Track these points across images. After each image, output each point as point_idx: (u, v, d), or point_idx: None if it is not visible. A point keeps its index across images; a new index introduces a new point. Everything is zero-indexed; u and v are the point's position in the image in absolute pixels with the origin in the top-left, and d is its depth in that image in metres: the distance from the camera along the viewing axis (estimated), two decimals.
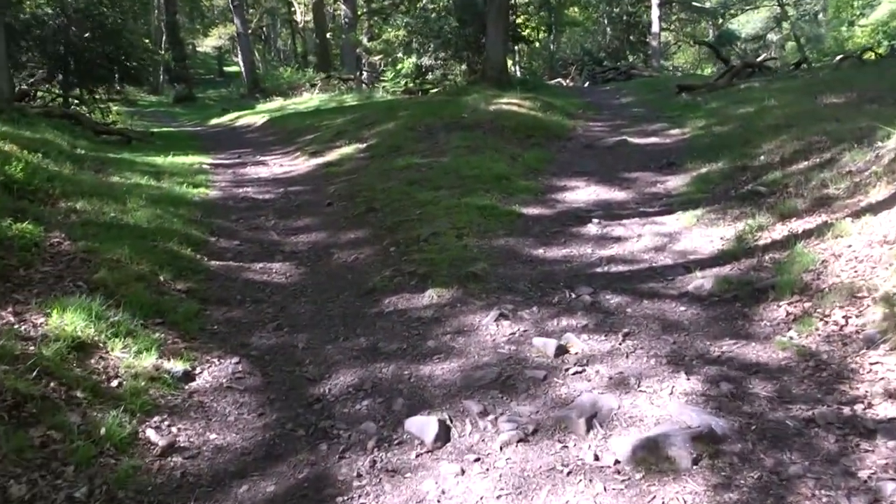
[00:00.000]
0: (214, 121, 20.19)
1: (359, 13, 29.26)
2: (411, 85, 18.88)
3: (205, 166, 9.81)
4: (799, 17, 37.30)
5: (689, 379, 3.33)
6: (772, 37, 38.12)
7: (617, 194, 6.97)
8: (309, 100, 20.06)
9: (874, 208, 4.67)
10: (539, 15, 32.08)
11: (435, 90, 17.84)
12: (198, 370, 3.73)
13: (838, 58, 15.27)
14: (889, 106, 8.81)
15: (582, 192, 7.10)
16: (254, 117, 18.15)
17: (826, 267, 4.15)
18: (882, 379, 3.08)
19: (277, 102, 20.80)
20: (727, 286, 4.33)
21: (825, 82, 11.59)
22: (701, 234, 5.44)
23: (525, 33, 20.03)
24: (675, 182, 7.20)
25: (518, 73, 35.32)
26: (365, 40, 26.78)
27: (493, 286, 4.67)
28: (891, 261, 3.89)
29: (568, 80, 27.69)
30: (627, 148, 9.03)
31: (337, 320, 4.45)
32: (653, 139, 9.61)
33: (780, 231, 5.02)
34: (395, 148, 9.14)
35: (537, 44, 34.27)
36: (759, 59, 17.89)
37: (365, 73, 27.16)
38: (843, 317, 3.64)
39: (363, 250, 5.73)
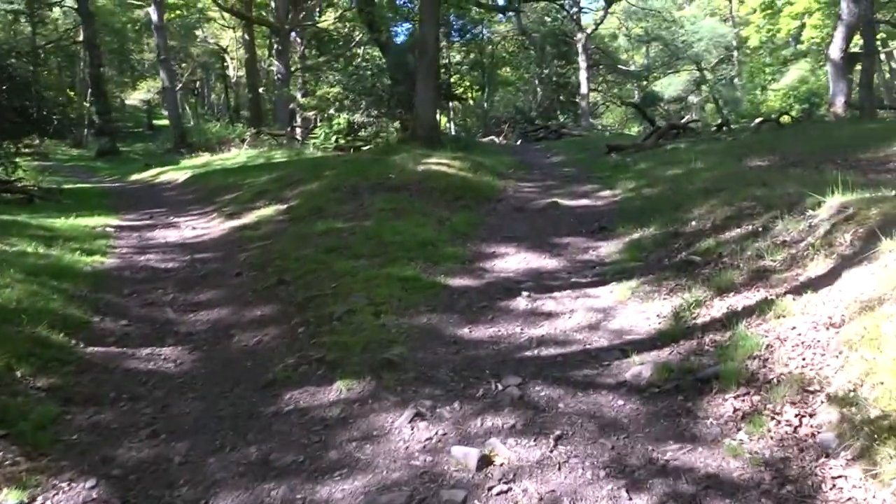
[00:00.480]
0: (135, 176, 19.21)
1: (292, 69, 28.93)
2: (342, 142, 18.46)
3: (109, 229, 9.00)
4: (717, 81, 39.15)
5: (631, 499, 2.83)
6: (692, 99, 39.76)
7: (548, 262, 6.56)
8: (236, 156, 19.35)
9: (814, 284, 4.36)
10: (472, 74, 32.59)
11: (367, 147, 17.47)
12: (38, 501, 2.99)
13: (757, 121, 15.70)
14: (811, 170, 8.85)
15: (512, 260, 6.67)
16: (176, 173, 17.30)
17: (772, 353, 3.77)
18: (849, 500, 2.64)
19: (204, 158, 20.00)
20: (667, 374, 3.89)
21: (748, 145, 11.74)
22: (636, 309, 5.04)
23: (458, 92, 19.96)
24: (607, 248, 6.87)
25: (453, 131, 35.64)
26: (299, 96, 26.41)
27: (410, 376, 4.11)
28: (839, 348, 3.53)
29: (501, 138, 27.89)
30: (558, 210, 8.72)
31: (226, 422, 3.78)
32: (584, 201, 9.36)
33: (718, 308, 4.66)
34: (316, 210, 8.57)
35: (471, 102, 34.68)
36: (683, 120, 18.31)
37: (298, 129, 26.68)
38: (796, 415, 3.23)
39: (268, 331, 5.08)
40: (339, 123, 18.47)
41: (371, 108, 17.88)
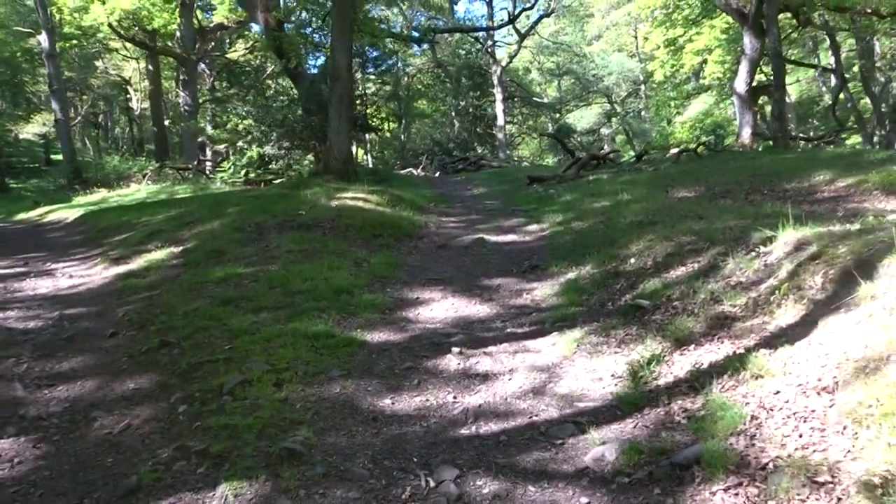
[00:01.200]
0: (21, 216, 17.36)
1: (200, 100, 27.47)
2: (252, 175, 17.29)
3: None
4: (626, 114, 40.18)
5: None
6: (604, 130, 40.62)
7: (479, 309, 5.79)
8: (136, 191, 17.82)
9: (788, 335, 3.76)
10: (388, 105, 32.01)
11: (278, 181, 16.38)
12: None
13: (674, 151, 15.67)
14: (742, 202, 8.53)
15: (438, 307, 5.86)
16: (67, 212, 15.64)
17: (759, 427, 3.09)
18: None
19: (100, 194, 18.35)
20: (636, 457, 3.15)
21: (671, 176, 11.47)
22: (585, 367, 4.31)
23: (374, 123, 19.19)
24: (542, 290, 6.17)
25: (370, 163, 34.82)
26: (209, 128, 24.99)
27: (317, 473, 3.19)
28: (841, 421, 2.89)
29: (419, 170, 27.31)
30: (485, 248, 8.01)
31: None
32: (511, 236, 8.70)
33: (680, 364, 3.99)
34: (215, 253, 7.51)
35: (388, 134, 34.05)
36: (602, 151, 18.14)
37: (208, 163, 25.21)
38: None
39: (140, 411, 4.04)
40: (250, 157, 17.30)
41: (282, 140, 16.82)
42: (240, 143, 17.58)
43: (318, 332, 4.96)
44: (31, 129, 39.87)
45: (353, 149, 11.91)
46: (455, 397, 4.03)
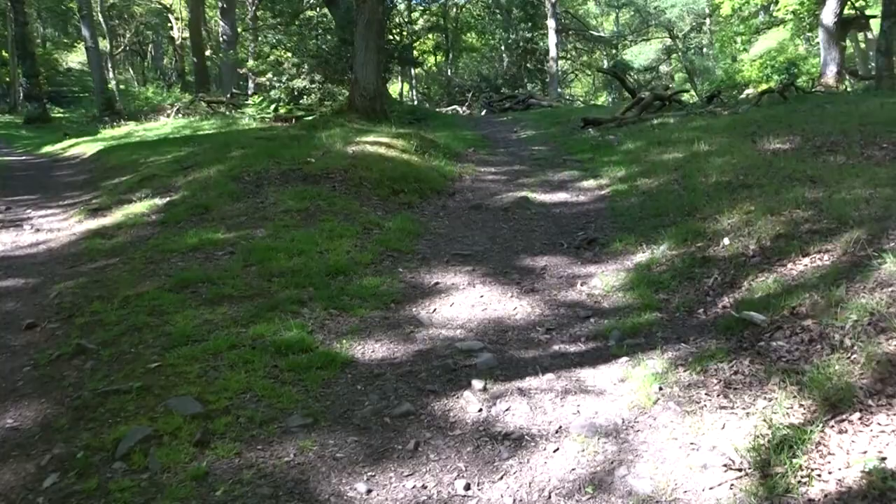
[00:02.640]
0: (47, 148, 16.24)
1: (240, 30, 25.78)
2: (283, 111, 15.72)
3: None
4: (687, 50, 36.75)
5: None
6: (663, 68, 37.41)
7: (516, 306, 4.18)
8: (163, 126, 16.46)
9: None
10: (433, 37, 29.75)
11: (310, 117, 14.79)
12: None
13: (751, 92, 13.42)
14: (858, 157, 6.60)
15: (462, 301, 4.28)
16: (89, 146, 14.42)
17: None
18: None
19: (128, 127, 17.09)
20: None
21: (755, 122, 9.42)
22: (676, 436, 2.70)
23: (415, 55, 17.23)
24: (603, 279, 4.52)
25: (416, 100, 32.75)
26: (250, 60, 23.36)
27: None
28: None
29: (464, 108, 25.31)
30: (529, 210, 6.35)
31: None
32: (562, 195, 6.99)
33: (843, 454, 2.34)
34: (200, 209, 6.04)
35: (434, 68, 31.86)
36: (668, 90, 15.68)
37: (249, 96, 23.70)
38: None
39: None
40: (280, 90, 15.69)
41: (313, 73, 15.14)
42: (269, 76, 15.94)
43: (288, 343, 3.46)
44: (81, 58, 38.85)
45: (386, 83, 10.11)
46: (468, 485, 2.49)
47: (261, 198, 6.19)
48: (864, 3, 21.31)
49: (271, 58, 16.78)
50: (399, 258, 4.99)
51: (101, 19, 32.67)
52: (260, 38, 17.27)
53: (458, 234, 5.68)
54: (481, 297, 4.31)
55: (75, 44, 36.05)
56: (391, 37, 16.55)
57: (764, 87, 14.27)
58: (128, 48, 37.98)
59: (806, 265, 3.83)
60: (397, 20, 16.62)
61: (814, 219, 4.40)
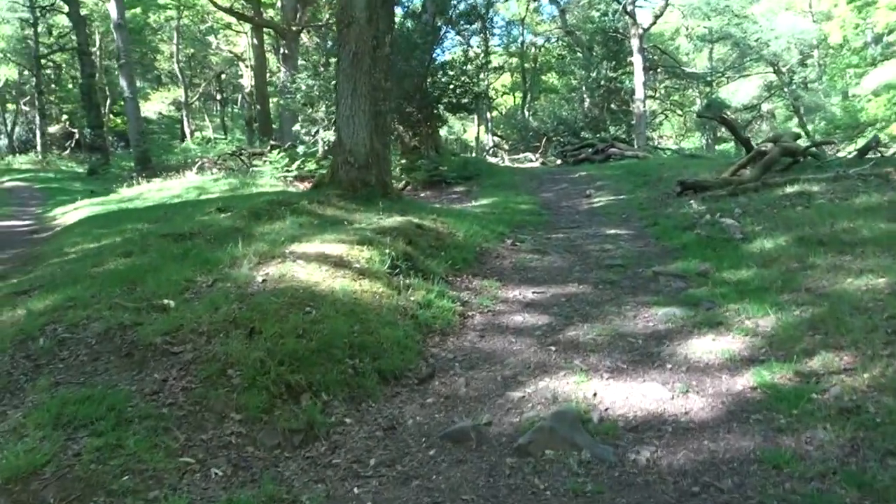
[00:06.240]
0: (55, 211, 13.94)
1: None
2: (309, 167, 12.71)
3: None
4: (793, 85, 31.49)
5: None
6: (765, 106, 32.35)
7: None
8: (178, 185, 13.83)
9: None
10: (511, 76, 26.44)
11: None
12: None
13: None
14: None
15: None
16: (78, 213, 11.94)
17: None
18: None
19: (145, 186, 14.63)
20: None
21: None
22: None
23: (464, 101, 13.77)
24: None
25: (490, 144, 29.39)
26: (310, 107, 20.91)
27: None
28: None
29: (537, 156, 21.70)
30: (579, 459, 2.66)
31: None
32: (653, 390, 3.23)
33: None
34: None
35: (503, 110, 28.45)
36: (798, 142, 10.88)
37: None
38: None
39: None
40: (306, 146, 12.70)
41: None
42: (296, 127, 13.01)
43: None
44: (150, 107, 37.90)
45: (388, 144, 6.57)
46: None
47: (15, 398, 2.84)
48: None
49: (304, 106, 13.97)
50: None
51: (177, 69, 31.87)
52: (294, 85, 14.39)
53: None
54: None
55: (154, 90, 35.31)
56: (445, 78, 13.31)
57: None
58: (202, 97, 36.94)
59: None
60: (432, 56, 13.21)
61: None
